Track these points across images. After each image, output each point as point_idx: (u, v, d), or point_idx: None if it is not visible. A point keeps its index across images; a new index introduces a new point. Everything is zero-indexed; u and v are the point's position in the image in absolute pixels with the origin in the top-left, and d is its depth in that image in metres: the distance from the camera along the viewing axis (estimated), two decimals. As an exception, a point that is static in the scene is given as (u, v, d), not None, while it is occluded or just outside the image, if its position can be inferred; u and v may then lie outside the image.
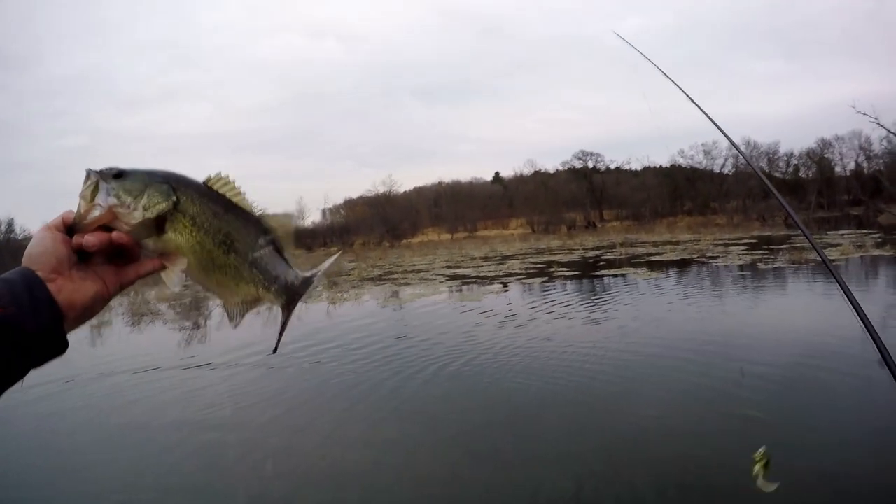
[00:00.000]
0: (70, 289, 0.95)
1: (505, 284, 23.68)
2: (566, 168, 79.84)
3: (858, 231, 36.27)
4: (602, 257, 32.39)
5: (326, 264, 1.23)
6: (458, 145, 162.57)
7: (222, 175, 1.10)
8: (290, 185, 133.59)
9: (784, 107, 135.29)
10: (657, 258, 29.33)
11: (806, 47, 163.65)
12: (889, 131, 51.67)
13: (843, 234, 33.83)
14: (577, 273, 26.08)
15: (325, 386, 9.89)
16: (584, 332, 13.27)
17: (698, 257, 28.04)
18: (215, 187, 1.08)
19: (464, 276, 27.92)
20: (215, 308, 20.72)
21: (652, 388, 8.74)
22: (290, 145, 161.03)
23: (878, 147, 63.16)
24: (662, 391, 8.57)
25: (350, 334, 14.67)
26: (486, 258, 38.21)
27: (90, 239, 0.96)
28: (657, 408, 7.78)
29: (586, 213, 71.38)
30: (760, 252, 27.96)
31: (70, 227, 0.98)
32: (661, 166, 76.54)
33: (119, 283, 1.04)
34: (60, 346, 0.94)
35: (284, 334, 1.16)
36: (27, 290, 0.89)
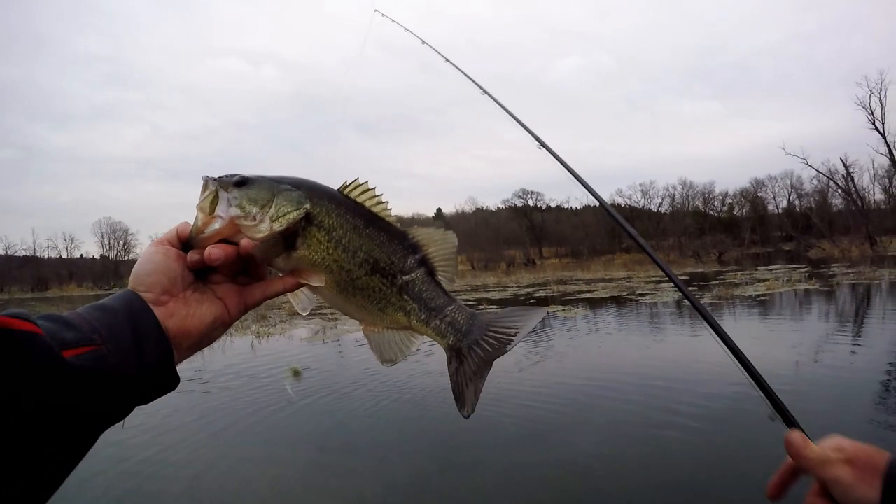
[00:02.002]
0: (184, 313, 0.85)
1: None
2: (507, 206, 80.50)
3: (788, 265, 36.93)
4: (533, 295, 32.04)
5: (530, 321, 1.00)
6: (399, 181, 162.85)
7: (360, 182, 0.95)
8: None
9: (719, 147, 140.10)
10: (588, 296, 29.15)
11: (738, 88, 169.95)
12: (817, 171, 53.89)
13: (772, 270, 34.35)
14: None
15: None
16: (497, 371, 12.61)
17: (628, 295, 27.91)
18: (353, 195, 0.95)
19: None
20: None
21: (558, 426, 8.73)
22: (218, 172, 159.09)
23: (808, 186, 65.68)
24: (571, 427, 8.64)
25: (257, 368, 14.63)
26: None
27: (213, 252, 0.86)
28: (585, 443, 8.05)
29: (526, 250, 71.68)
30: (689, 289, 27.79)
31: (186, 242, 0.88)
32: (599, 205, 77.68)
33: (243, 304, 0.93)
34: (170, 383, 0.83)
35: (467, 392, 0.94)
36: (130, 321, 0.78)
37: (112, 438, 9.43)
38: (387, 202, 0.96)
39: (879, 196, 52.40)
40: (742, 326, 17.25)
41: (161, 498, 6.74)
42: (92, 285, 56.19)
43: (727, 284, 27.05)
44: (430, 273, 0.99)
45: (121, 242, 67.40)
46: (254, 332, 21.68)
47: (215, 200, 0.87)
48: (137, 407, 0.79)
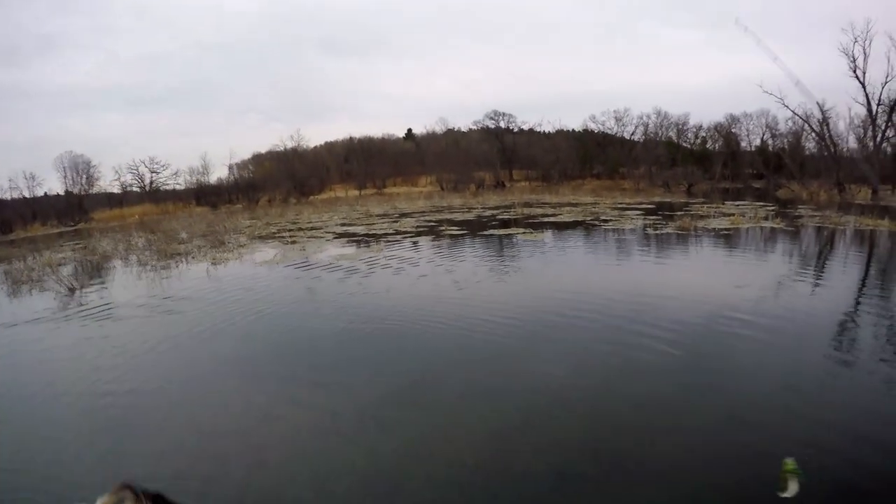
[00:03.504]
0: None
1: (377, 240, 22.89)
2: (478, 127, 78.85)
3: (756, 203, 36.53)
4: (497, 217, 31.56)
5: None
6: (368, 102, 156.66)
7: None
8: (192, 140, 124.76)
9: (696, 79, 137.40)
10: (550, 219, 28.65)
11: (720, 18, 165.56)
12: (794, 112, 52.98)
13: (739, 205, 33.99)
14: (464, 232, 25.13)
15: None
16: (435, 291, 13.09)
17: (591, 220, 27.44)
18: None
19: (353, 234, 26.83)
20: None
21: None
22: (189, 99, 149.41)
23: (783, 127, 64.95)
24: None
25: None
26: (383, 215, 37.06)
27: None
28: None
29: (496, 172, 70.62)
30: (654, 218, 27.52)
31: None
32: (573, 130, 76.80)
33: None
34: None
35: None
36: None
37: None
38: None
39: (853, 145, 51.83)
40: (704, 258, 16.92)
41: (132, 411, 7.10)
42: (56, 223, 54.40)
43: (693, 216, 26.63)
44: None
45: (84, 176, 64.50)
46: (212, 257, 21.26)
47: None
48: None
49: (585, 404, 6.64)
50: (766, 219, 25.97)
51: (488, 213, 34.52)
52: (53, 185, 75.20)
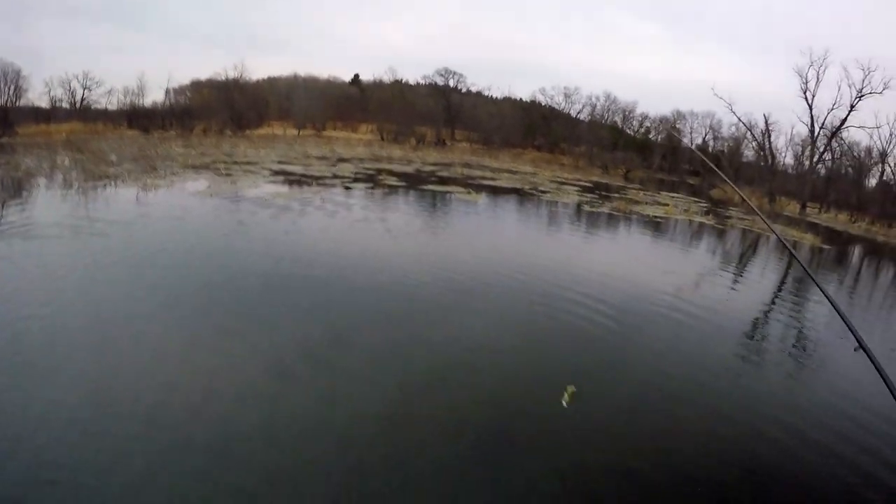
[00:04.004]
0: None
1: (314, 181, 22.48)
2: (427, 83, 77.55)
3: (690, 197, 37.26)
4: (436, 174, 30.99)
5: None
6: (315, 41, 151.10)
7: None
8: (126, 59, 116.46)
9: (649, 70, 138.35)
10: (489, 183, 28.46)
11: (684, 17, 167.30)
12: (739, 118, 54.78)
13: (673, 197, 34.63)
14: (402, 184, 24.67)
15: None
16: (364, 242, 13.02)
17: (529, 189, 27.44)
18: None
19: (289, 173, 25.71)
20: None
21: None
22: (126, 15, 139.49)
23: (726, 132, 66.87)
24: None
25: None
26: (322, 158, 35.83)
27: None
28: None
29: (438, 129, 69.81)
30: (591, 196, 27.81)
31: None
32: (520, 99, 76.64)
33: None
34: None
35: None
36: None
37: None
38: None
39: (789, 161, 54.47)
40: (635, 241, 17.14)
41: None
42: None
43: (628, 200, 27.01)
44: None
45: (12, 86, 59.65)
46: (142, 183, 19.94)
47: None
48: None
49: (503, 362, 6.79)
50: (697, 213, 26.61)
51: (428, 168, 33.93)
52: None
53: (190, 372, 5.93)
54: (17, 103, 61.88)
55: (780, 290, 13.58)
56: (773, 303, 12.10)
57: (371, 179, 25.21)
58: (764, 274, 15.19)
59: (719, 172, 5.99)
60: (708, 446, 5.55)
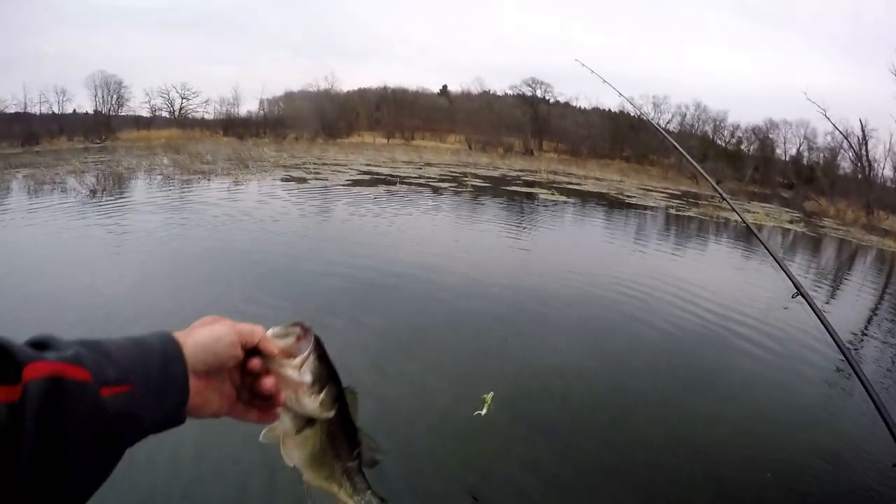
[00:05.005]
0: (203, 396, 0.90)
1: (400, 180, 22.87)
2: (514, 93, 77.68)
3: (783, 208, 35.96)
4: (522, 178, 31.26)
5: None
6: (401, 48, 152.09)
7: (355, 390, 1.14)
8: (219, 69, 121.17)
9: (739, 77, 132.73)
10: (575, 187, 28.38)
11: (774, 17, 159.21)
12: (834, 125, 51.92)
13: (765, 206, 33.54)
14: (487, 185, 25.05)
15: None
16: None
17: (615, 194, 27.22)
18: (348, 396, 1.11)
19: (376, 173, 26.77)
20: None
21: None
22: (218, 26, 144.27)
23: (821, 141, 63.46)
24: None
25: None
26: (409, 162, 36.78)
27: (269, 385, 0.94)
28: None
29: (526, 140, 69.93)
30: (678, 202, 27.31)
31: (252, 350, 0.94)
32: (608, 109, 75.67)
33: (231, 412, 0.98)
34: (177, 424, 0.89)
35: None
36: (163, 365, 0.84)
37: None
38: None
39: (889, 173, 50.80)
40: (723, 252, 16.66)
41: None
42: (83, 139, 54.50)
43: (716, 206, 26.41)
44: (361, 464, 1.16)
45: (114, 96, 64.11)
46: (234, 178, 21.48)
47: (304, 360, 0.96)
48: None
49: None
50: (790, 222, 25.73)
51: (513, 174, 34.22)
52: (83, 102, 74.61)
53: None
54: (119, 111, 66.12)
55: (876, 308, 12.64)
56: (869, 323, 11.13)
57: (456, 180, 25.72)
58: (861, 289, 14.00)
59: (679, 148, 5.35)
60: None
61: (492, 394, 5.34)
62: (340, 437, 1.10)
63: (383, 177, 25.09)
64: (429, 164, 35.73)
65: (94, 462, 0.75)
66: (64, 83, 70.22)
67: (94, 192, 16.88)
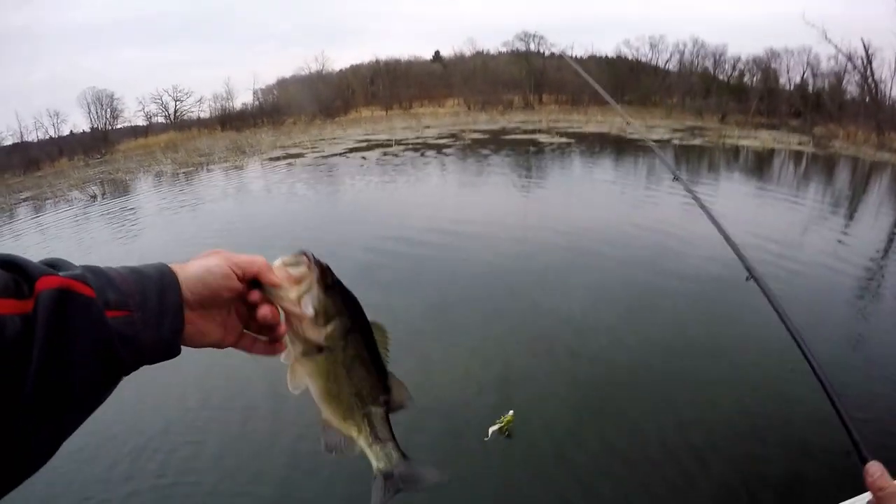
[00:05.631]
0: (197, 327, 0.91)
1: (397, 143, 22.76)
2: (508, 50, 76.79)
3: (792, 134, 34.96)
4: (521, 128, 30.79)
5: (435, 479, 1.13)
6: (392, 23, 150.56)
7: (383, 327, 1.09)
8: (211, 71, 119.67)
9: (736, 7, 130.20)
10: (576, 130, 27.95)
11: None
12: (836, 47, 50.57)
13: (772, 133, 32.80)
14: (486, 137, 24.68)
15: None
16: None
17: (616, 132, 26.70)
18: (376, 333, 1.07)
19: (374, 140, 26.50)
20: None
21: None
22: (204, 29, 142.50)
23: (825, 66, 61.90)
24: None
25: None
26: (407, 128, 36.36)
27: (270, 314, 0.93)
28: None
29: (525, 95, 69.26)
30: (681, 133, 26.80)
31: (252, 280, 0.93)
32: (605, 56, 74.50)
33: (236, 343, 0.97)
34: (173, 354, 0.89)
35: None
36: (160, 292, 0.85)
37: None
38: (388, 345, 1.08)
39: None
40: (731, 185, 15.99)
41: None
42: (83, 156, 54.63)
43: (721, 134, 25.78)
44: (388, 411, 1.09)
45: (108, 110, 64.17)
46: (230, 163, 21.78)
47: (308, 288, 0.93)
48: None
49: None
50: (799, 144, 25.09)
51: (513, 126, 33.97)
52: (78, 121, 74.78)
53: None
54: (115, 124, 66.11)
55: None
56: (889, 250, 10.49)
57: (454, 136, 25.42)
58: (878, 213, 13.22)
59: (592, 82, 4.92)
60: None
61: (511, 412, 5.03)
62: (362, 373, 1.05)
63: (381, 142, 24.87)
64: (427, 128, 35.17)
65: (96, 378, 0.76)
66: (56, 106, 70.34)
67: (93, 198, 17.20)
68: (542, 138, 22.48)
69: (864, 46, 47.75)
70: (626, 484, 4.48)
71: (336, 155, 19.25)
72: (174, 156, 31.38)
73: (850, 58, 50.64)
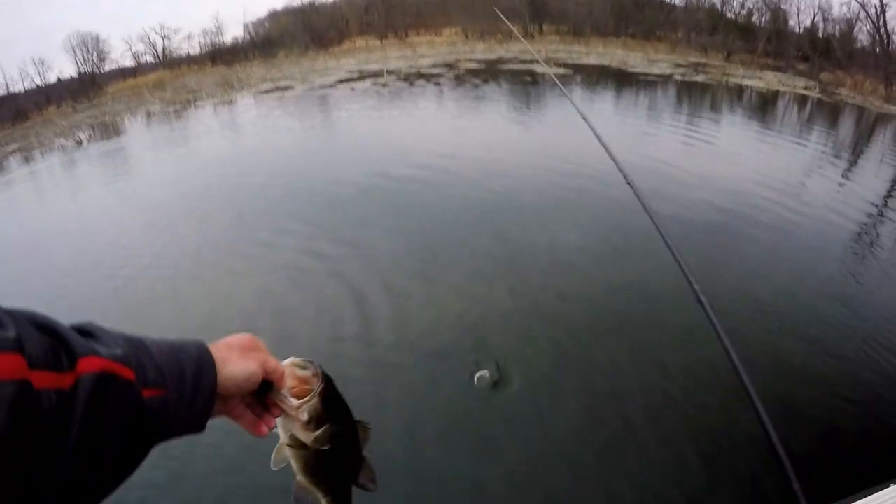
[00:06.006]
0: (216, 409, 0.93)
1: (389, 73, 21.96)
2: (509, -23, 74.57)
3: (798, 78, 33.96)
4: (519, 57, 29.53)
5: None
6: None
7: (367, 424, 1.15)
8: (201, 6, 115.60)
9: None
10: (575, 62, 26.95)
11: None
12: None
13: (777, 75, 31.82)
14: (481, 67, 23.79)
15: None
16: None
17: (617, 65, 25.79)
18: (360, 430, 1.15)
19: (366, 70, 25.82)
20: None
21: None
22: None
23: (837, 12, 60.30)
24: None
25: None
26: (402, 57, 35.50)
27: (271, 421, 1.00)
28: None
29: (524, 24, 67.35)
30: (684, 69, 25.88)
31: (266, 382, 0.97)
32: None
33: (228, 412, 0.99)
34: (198, 431, 0.91)
35: None
36: (196, 375, 0.87)
37: None
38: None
39: None
40: (733, 125, 15.42)
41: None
42: (72, 102, 53.03)
43: (724, 72, 24.95)
44: (351, 486, 1.17)
45: (94, 53, 61.96)
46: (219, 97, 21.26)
47: (310, 399, 0.99)
48: None
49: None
50: (805, 89, 24.30)
51: (510, 55, 32.56)
52: (65, 68, 72.78)
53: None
54: (103, 67, 64.21)
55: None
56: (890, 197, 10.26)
57: (448, 66, 24.55)
58: (881, 163, 12.76)
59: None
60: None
61: (496, 362, 4.96)
62: (338, 466, 1.11)
63: (372, 73, 23.99)
64: (422, 57, 34.19)
65: (125, 457, 0.77)
66: (41, 54, 68.39)
67: (80, 143, 16.80)
68: (540, 69, 21.53)
69: (880, -6, 46.58)
70: (611, 432, 4.36)
71: (326, 87, 18.56)
72: (162, 94, 30.47)
73: (863, 5, 49.36)
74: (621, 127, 13.17)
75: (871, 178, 11.26)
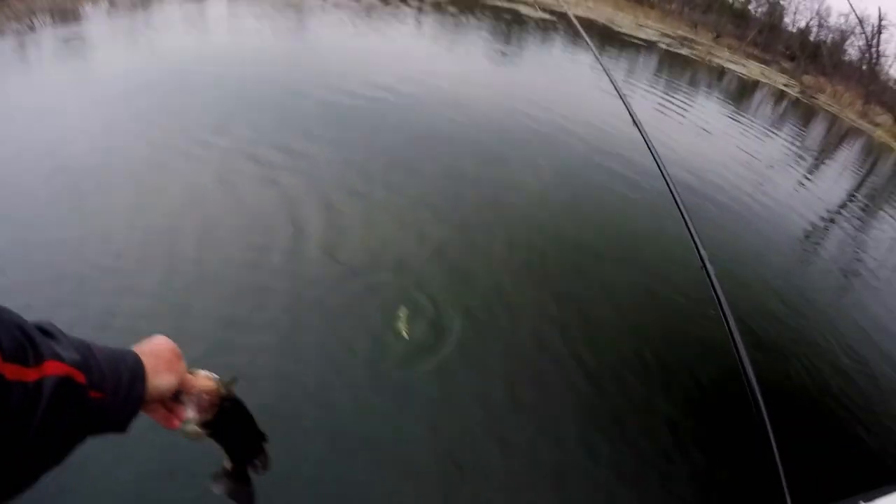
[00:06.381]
0: None
1: None
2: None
3: (780, 74, 33.77)
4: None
5: None
6: None
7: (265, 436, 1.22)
8: None
9: None
10: (560, 9, 25.81)
11: None
12: (850, 5, 49.32)
13: (761, 66, 31.57)
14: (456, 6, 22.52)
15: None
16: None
17: (604, 22, 24.94)
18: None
19: None
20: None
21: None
22: None
23: (833, 21, 60.51)
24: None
25: None
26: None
27: (181, 417, 1.08)
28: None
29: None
30: (671, 40, 25.28)
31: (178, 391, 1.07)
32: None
33: (143, 411, 1.04)
34: (122, 431, 0.97)
35: None
36: (131, 384, 0.94)
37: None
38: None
39: (895, 73, 49.05)
40: (709, 102, 15.06)
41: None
42: None
43: (711, 52, 24.46)
44: (242, 465, 1.22)
45: None
46: None
47: (208, 406, 1.10)
48: None
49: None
50: (785, 85, 24.05)
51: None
52: None
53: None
54: None
55: (857, 190, 11.68)
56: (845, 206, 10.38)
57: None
58: (842, 174, 12.90)
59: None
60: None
61: (404, 308, 4.58)
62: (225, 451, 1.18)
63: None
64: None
65: (67, 447, 0.84)
66: None
67: (31, 28, 14.91)
68: (524, 10, 20.48)
69: (879, 15, 46.60)
70: (566, 380, 4.20)
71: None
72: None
73: (861, 20, 49.48)
74: (597, 82, 12.55)
75: (831, 183, 11.42)
